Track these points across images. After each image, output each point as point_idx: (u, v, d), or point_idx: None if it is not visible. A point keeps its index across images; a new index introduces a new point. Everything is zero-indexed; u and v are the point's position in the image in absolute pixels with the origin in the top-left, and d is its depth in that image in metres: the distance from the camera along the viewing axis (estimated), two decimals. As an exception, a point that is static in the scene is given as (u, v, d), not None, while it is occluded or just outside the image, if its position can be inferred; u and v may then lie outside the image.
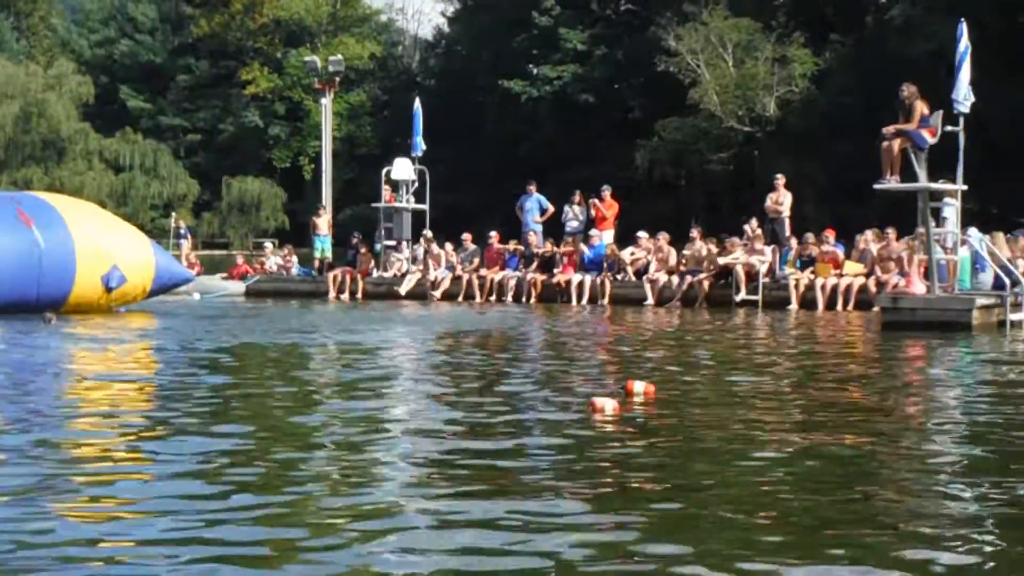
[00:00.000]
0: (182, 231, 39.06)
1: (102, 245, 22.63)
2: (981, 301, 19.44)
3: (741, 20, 56.49)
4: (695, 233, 28.21)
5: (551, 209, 30.74)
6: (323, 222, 33.98)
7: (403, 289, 29.38)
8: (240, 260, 34.88)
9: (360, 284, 30.34)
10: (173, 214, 48.02)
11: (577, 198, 30.47)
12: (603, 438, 8.60)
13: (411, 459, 7.76)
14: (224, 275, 32.60)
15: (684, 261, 27.60)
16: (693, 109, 55.87)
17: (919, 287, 21.18)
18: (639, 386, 10.74)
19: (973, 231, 21.44)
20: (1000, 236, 22.07)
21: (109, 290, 22.56)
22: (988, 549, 5.63)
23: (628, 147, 60.61)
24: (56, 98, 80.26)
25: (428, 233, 31.30)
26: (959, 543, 5.69)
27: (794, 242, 26.97)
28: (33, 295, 21.66)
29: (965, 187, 20.43)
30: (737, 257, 26.78)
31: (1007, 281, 20.10)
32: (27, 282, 21.50)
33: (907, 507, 6.46)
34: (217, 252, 70.52)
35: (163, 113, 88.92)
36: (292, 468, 7.41)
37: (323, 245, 33.17)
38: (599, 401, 9.72)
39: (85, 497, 6.57)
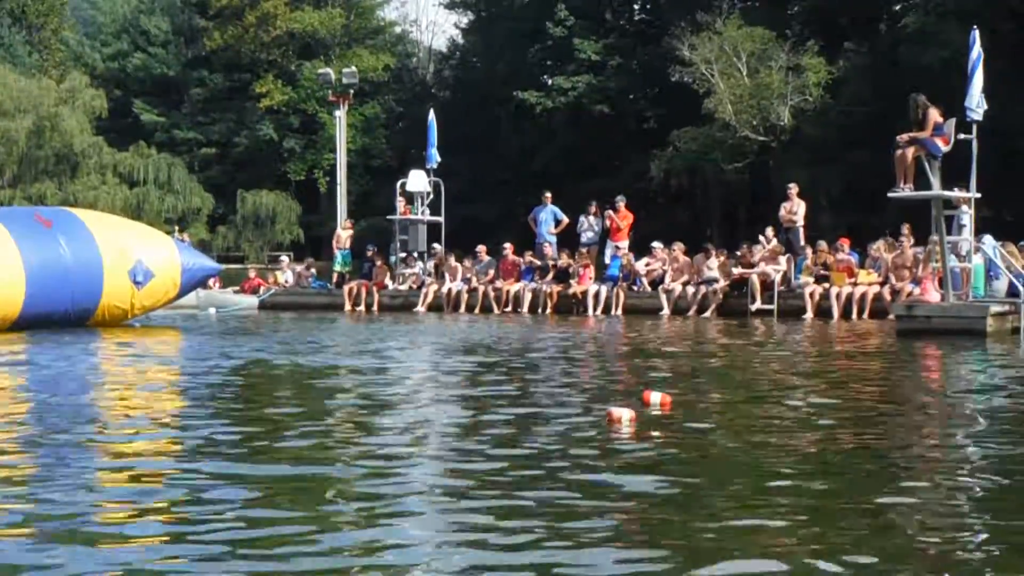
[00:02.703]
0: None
1: (124, 244, 22.82)
2: (995, 308, 19.62)
3: (755, 29, 56.56)
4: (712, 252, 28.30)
5: (565, 220, 30.96)
6: (346, 235, 34.16)
7: (420, 302, 29.56)
8: (252, 274, 35.04)
9: (376, 297, 30.52)
10: (176, 228, 48.25)
11: (593, 209, 30.69)
12: (620, 448, 8.76)
13: (426, 471, 7.88)
14: (236, 289, 32.77)
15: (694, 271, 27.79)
16: (708, 119, 55.95)
17: (934, 295, 21.33)
18: (656, 396, 10.87)
19: (987, 239, 21.59)
20: (1012, 246, 22.20)
21: (138, 284, 22.65)
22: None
23: (643, 157, 60.72)
24: (69, 112, 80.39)
25: (437, 247, 31.51)
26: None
27: (809, 251, 27.13)
28: (67, 301, 21.78)
29: (979, 195, 20.59)
30: (752, 267, 26.97)
31: (1021, 288, 20.27)
32: (58, 290, 21.58)
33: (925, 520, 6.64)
34: (233, 266, 70.73)
35: (177, 127, 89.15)
36: (315, 484, 7.60)
37: (344, 258, 33.31)
38: (616, 411, 9.83)
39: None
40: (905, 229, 26.54)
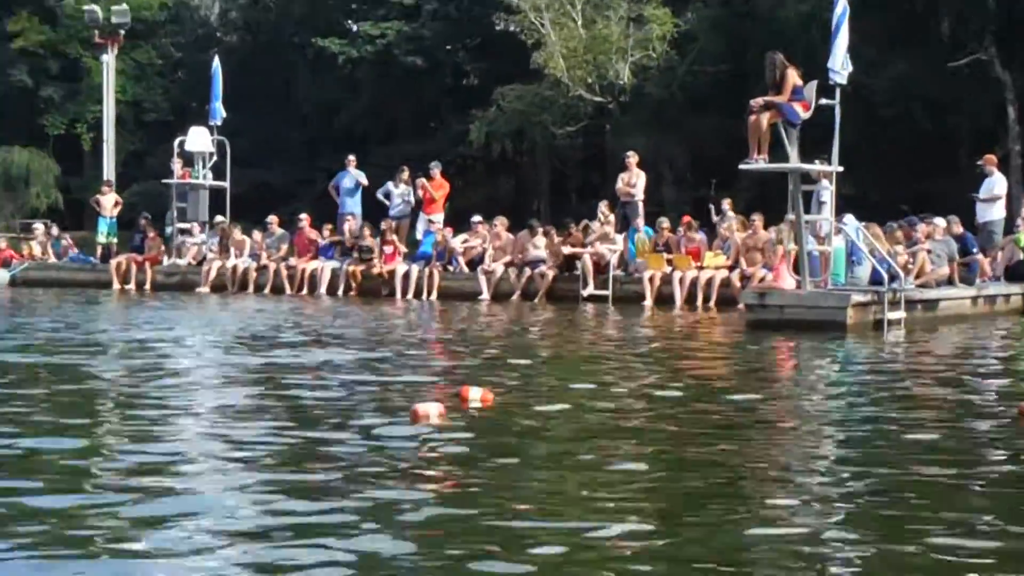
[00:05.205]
0: None
1: None
2: (857, 298, 19.82)
3: (592, -26, 56.96)
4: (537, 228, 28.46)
5: (365, 182, 30.72)
6: (108, 200, 33.64)
7: (201, 280, 29.25)
8: (3, 244, 34.34)
9: (148, 273, 30.15)
10: None
11: (404, 176, 30.57)
12: (425, 447, 8.77)
13: (213, 474, 7.83)
14: (-18, 262, 32.16)
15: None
16: (537, 75, 56.12)
17: (788, 282, 21.53)
18: (475, 392, 10.90)
19: (849, 219, 21.86)
20: (875, 227, 22.33)
21: None
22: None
23: (462, 118, 60.79)
24: None
25: (221, 219, 31.13)
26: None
27: (641, 224, 27.42)
28: None
29: (841, 168, 20.86)
30: (584, 246, 27.13)
31: (885, 276, 20.50)
32: None
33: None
34: (-24, 234, 69.35)
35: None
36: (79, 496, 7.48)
37: (107, 228, 32.82)
38: (422, 408, 9.85)
39: None
40: (726, 204, 27.02)
